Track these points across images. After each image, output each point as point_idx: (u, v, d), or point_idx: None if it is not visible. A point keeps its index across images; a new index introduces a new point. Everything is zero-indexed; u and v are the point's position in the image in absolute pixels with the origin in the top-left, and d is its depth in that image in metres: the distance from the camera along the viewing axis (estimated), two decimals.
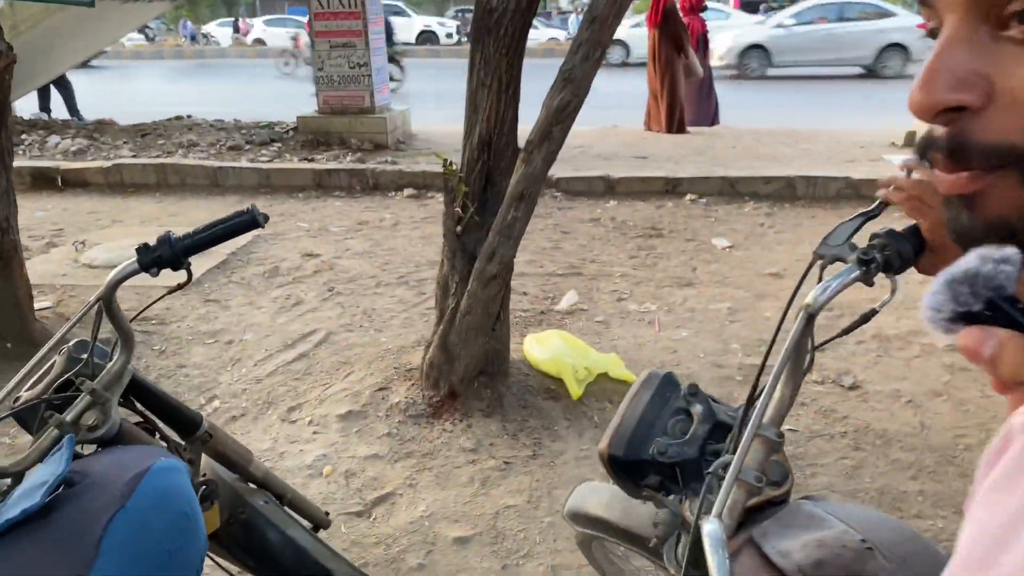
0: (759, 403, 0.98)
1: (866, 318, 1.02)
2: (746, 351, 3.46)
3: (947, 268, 0.41)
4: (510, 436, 2.77)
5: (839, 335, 1.04)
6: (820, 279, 1.00)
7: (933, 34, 0.51)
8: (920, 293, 0.43)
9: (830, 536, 0.95)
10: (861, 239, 1.00)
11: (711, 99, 8.93)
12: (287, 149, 7.40)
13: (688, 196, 5.99)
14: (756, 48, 16.03)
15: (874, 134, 7.82)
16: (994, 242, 0.47)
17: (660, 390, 1.21)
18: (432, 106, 10.60)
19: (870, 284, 0.98)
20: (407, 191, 6.26)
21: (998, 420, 2.84)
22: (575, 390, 2.96)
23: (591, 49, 2.37)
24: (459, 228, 2.78)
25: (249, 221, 1.21)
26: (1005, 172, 0.46)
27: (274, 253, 4.83)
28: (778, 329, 1.07)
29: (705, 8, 8.93)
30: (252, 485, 1.61)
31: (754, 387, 1.06)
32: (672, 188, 6.11)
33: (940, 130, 0.47)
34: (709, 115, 8.90)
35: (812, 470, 2.62)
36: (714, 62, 11.63)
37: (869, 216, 1.06)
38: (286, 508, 1.67)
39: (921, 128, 7.31)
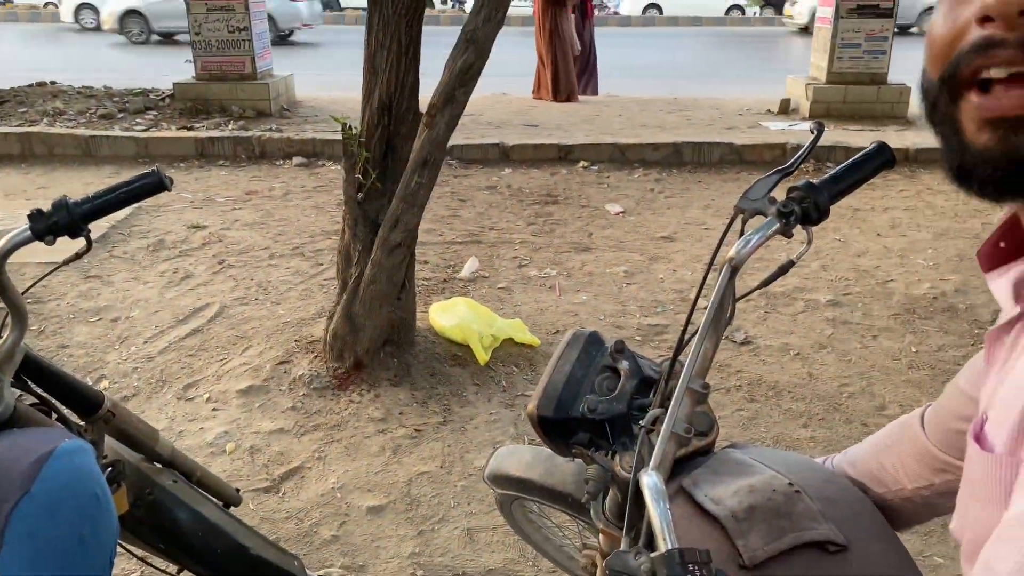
0: (689, 356, 1.00)
1: (785, 269, 1.05)
2: (643, 312, 3.56)
3: None
4: (419, 404, 2.75)
5: (759, 287, 1.07)
6: (742, 233, 1.03)
7: None
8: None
9: (759, 481, 0.99)
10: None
11: (594, 67, 9.06)
12: (164, 117, 7.01)
13: (581, 163, 6.07)
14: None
15: (752, 102, 8.14)
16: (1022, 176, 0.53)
17: (586, 348, 1.22)
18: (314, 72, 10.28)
19: (789, 236, 1.02)
20: (296, 159, 6.07)
21: (877, 369, 3.05)
22: (482, 356, 2.96)
23: (493, 10, 2.35)
24: (360, 195, 2.72)
25: (155, 183, 1.14)
26: None
27: (157, 226, 4.59)
28: (702, 283, 1.10)
29: None
30: (159, 465, 1.54)
31: (680, 340, 1.08)
32: (565, 155, 6.18)
33: (1009, 28, 0.51)
34: (594, 83, 9.03)
35: None
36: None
37: (785, 172, 1.09)
38: (195, 487, 1.60)
39: (794, 96, 7.66)
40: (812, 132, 1.07)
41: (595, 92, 8.97)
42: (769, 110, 7.71)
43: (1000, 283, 0.67)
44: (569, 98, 8.34)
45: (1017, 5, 0.50)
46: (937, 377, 2.98)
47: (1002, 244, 0.68)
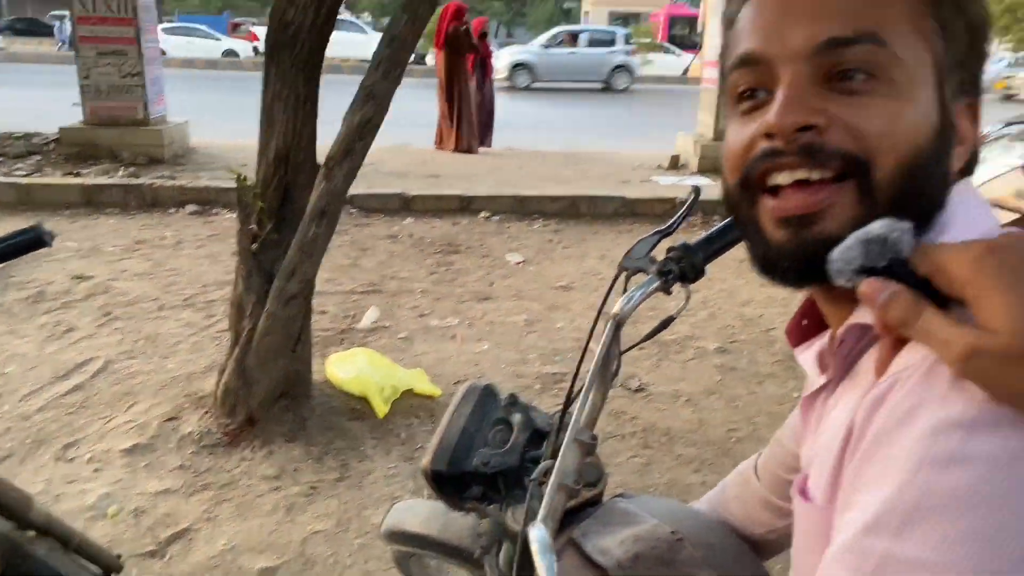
0: (575, 408, 1.04)
1: (665, 324, 1.11)
2: (543, 361, 3.61)
3: (858, 231, 0.52)
4: (315, 460, 2.69)
5: (643, 340, 1.12)
6: (625, 290, 1.08)
7: (750, 94, 0.66)
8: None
9: (644, 531, 1.03)
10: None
11: (492, 121, 9.28)
12: (48, 163, 6.73)
13: (482, 213, 6.15)
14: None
15: (644, 157, 8.46)
16: (814, 265, 0.61)
17: (480, 402, 1.24)
18: (210, 119, 10.09)
19: (668, 293, 1.08)
20: (189, 208, 5.91)
21: (763, 414, 3.18)
22: (381, 408, 2.94)
23: (391, 67, 2.39)
24: (255, 246, 2.68)
25: (33, 240, 1.10)
26: (844, 186, 0.60)
27: (38, 276, 4.37)
28: (589, 338, 1.14)
29: (486, 34, 9.25)
30: (32, 533, 1.45)
31: (569, 393, 1.12)
32: (466, 206, 6.25)
33: (788, 142, 0.61)
34: (489, 136, 9.25)
35: (607, 469, 2.78)
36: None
37: (665, 233, 1.16)
38: (73, 554, 1.52)
39: (684, 152, 8.02)
40: (689, 195, 1.14)
41: (490, 145, 9.18)
42: (660, 165, 8.03)
43: (806, 356, 0.77)
44: (470, 150, 8.48)
45: (792, 125, 0.60)
46: None
47: (805, 322, 0.80)
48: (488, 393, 1.27)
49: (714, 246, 1.09)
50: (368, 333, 3.81)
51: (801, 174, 0.61)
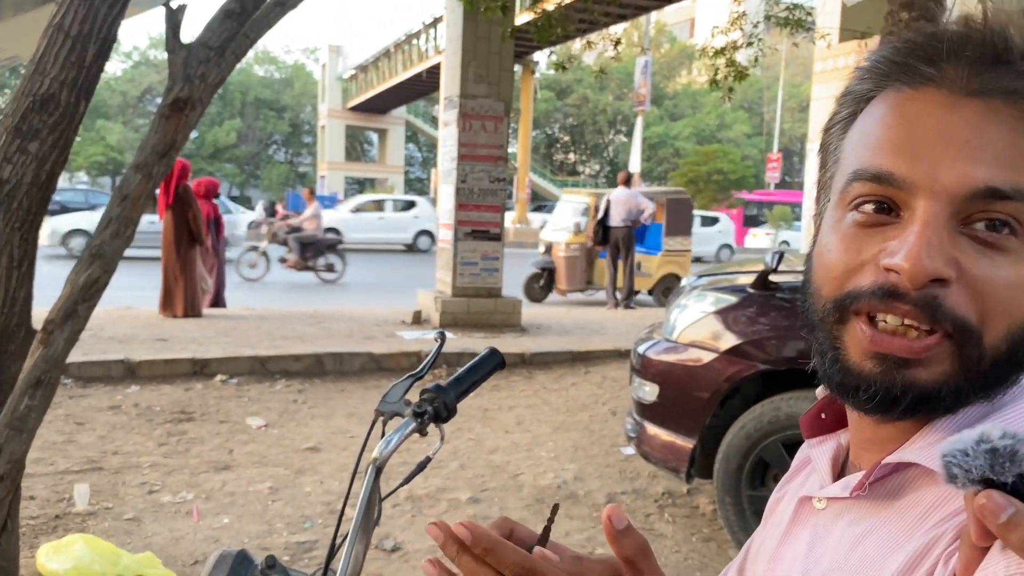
0: (341, 562, 1.02)
1: (422, 466, 1.14)
2: (291, 529, 3.42)
3: (974, 432, 0.46)
4: None
5: (402, 484, 1.13)
6: (383, 434, 1.11)
7: (874, 206, 0.61)
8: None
9: None
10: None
11: (223, 282, 9.04)
12: None
13: (218, 377, 5.84)
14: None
15: (388, 314, 8.63)
16: (909, 410, 0.60)
17: (234, 569, 1.16)
18: None
19: (424, 434, 1.12)
20: None
21: None
22: None
23: (122, 226, 2.29)
24: None
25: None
26: (948, 343, 0.58)
27: None
28: (349, 488, 1.14)
29: (219, 195, 9.16)
30: None
31: (331, 547, 1.09)
32: (200, 369, 5.91)
33: (911, 290, 0.57)
34: (222, 297, 8.97)
35: None
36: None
37: (416, 376, 1.21)
38: None
39: (425, 308, 8.31)
40: (436, 340, 1.21)
41: (224, 305, 8.88)
42: (404, 321, 8.22)
43: (820, 451, 0.74)
44: (197, 313, 8.04)
45: (926, 275, 0.55)
46: None
47: (823, 416, 0.76)
48: (242, 559, 1.20)
49: (463, 385, 1.16)
50: (87, 517, 3.39)
51: (911, 323, 0.58)
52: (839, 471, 0.73)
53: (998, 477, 0.44)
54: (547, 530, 0.80)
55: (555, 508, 0.84)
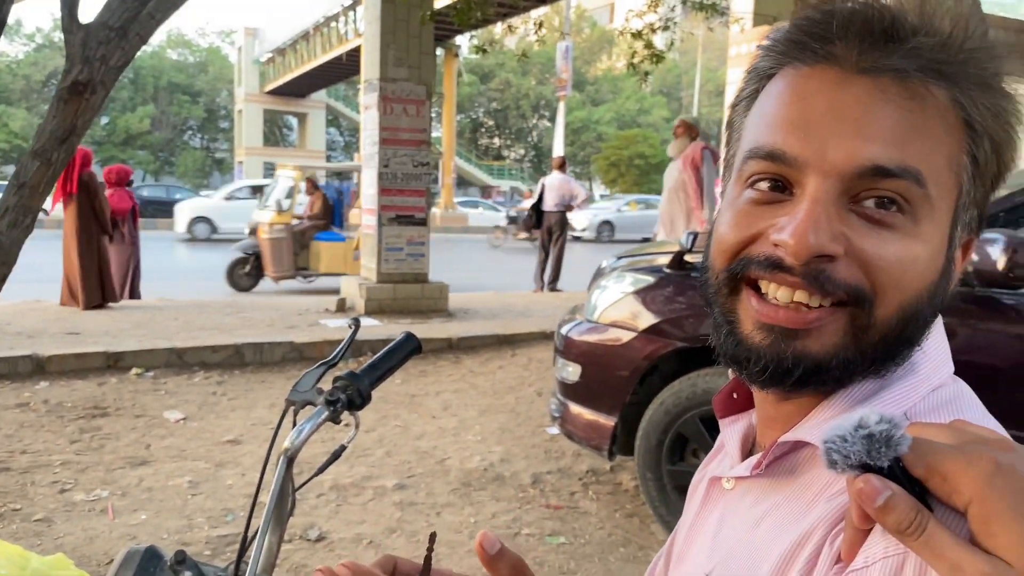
0: (253, 554, 1.00)
1: (336, 455, 1.13)
2: (212, 523, 3.34)
3: (852, 418, 0.47)
4: None
5: (316, 473, 1.12)
6: (295, 424, 1.09)
7: (767, 184, 0.61)
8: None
9: None
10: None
11: (138, 273, 8.72)
12: None
13: (133, 370, 5.65)
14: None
15: (310, 302, 8.49)
16: (800, 382, 0.60)
17: (143, 567, 1.13)
18: None
19: (338, 422, 1.11)
20: None
21: (443, 544, 3.24)
22: None
23: (20, 215, 2.19)
24: None
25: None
26: (839, 313, 0.59)
27: None
28: (261, 479, 1.12)
29: (131, 183, 8.81)
30: None
31: (243, 539, 1.08)
32: (115, 363, 5.71)
33: (794, 261, 0.57)
34: (138, 289, 8.66)
35: None
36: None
37: (329, 364, 1.19)
38: None
39: (350, 296, 8.20)
40: (350, 327, 1.20)
41: (139, 296, 8.58)
42: (327, 309, 8.10)
43: (731, 431, 0.75)
44: (102, 305, 7.70)
45: (811, 252, 0.57)
46: None
47: (735, 396, 0.77)
48: (151, 555, 1.17)
49: (378, 372, 1.15)
50: None
51: (800, 297, 0.59)
52: (749, 450, 0.73)
53: (875, 462, 0.46)
54: (428, 560, 0.81)
55: (432, 537, 0.83)
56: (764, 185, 0.61)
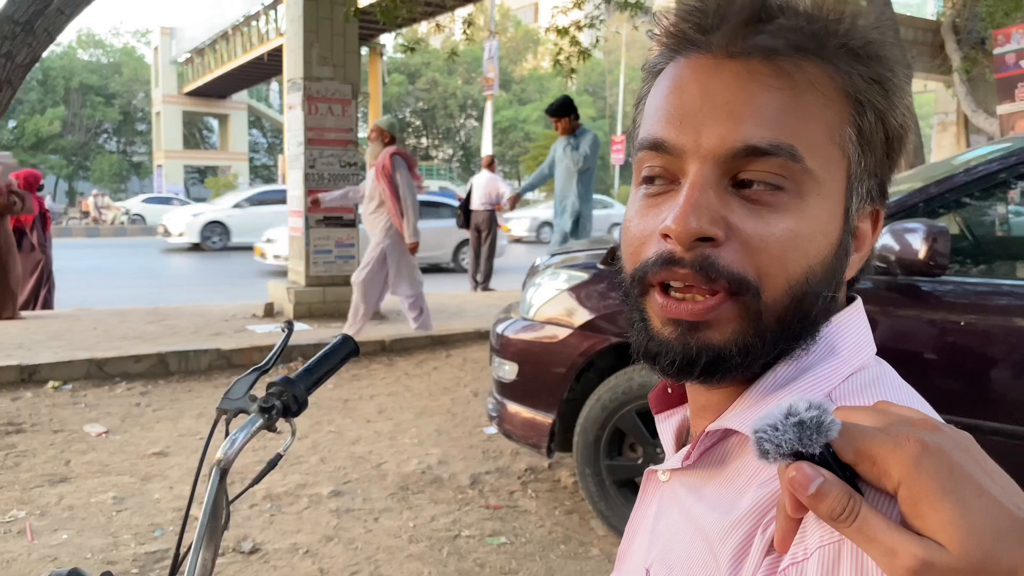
0: (186, 570, 0.95)
1: (272, 464, 1.09)
2: (139, 540, 3.21)
3: (783, 407, 0.46)
4: None
5: (252, 484, 1.08)
6: (227, 433, 1.04)
7: (651, 180, 0.64)
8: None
9: None
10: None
11: (52, 282, 8.35)
12: None
13: (50, 384, 5.40)
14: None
15: (236, 308, 8.27)
16: (706, 372, 0.61)
17: None
18: None
19: (273, 429, 1.06)
20: None
21: (382, 550, 3.18)
22: None
23: None
24: None
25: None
26: (731, 303, 0.59)
27: None
28: (192, 491, 1.07)
29: (42, 187, 8.42)
30: None
31: (176, 556, 1.03)
32: (29, 377, 5.44)
33: (684, 249, 0.59)
34: (51, 299, 8.29)
35: None
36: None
37: (262, 370, 1.15)
38: None
39: (278, 300, 8.02)
40: (283, 331, 1.15)
41: (52, 307, 8.21)
42: (255, 314, 7.90)
43: (666, 426, 0.77)
44: (12, 316, 7.34)
45: (691, 234, 0.58)
46: (435, 546, 3.22)
47: (669, 391, 0.78)
48: None
49: (314, 376, 1.11)
50: None
51: (691, 285, 0.60)
52: (683, 443, 0.74)
53: (806, 449, 0.45)
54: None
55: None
56: (657, 181, 0.63)
